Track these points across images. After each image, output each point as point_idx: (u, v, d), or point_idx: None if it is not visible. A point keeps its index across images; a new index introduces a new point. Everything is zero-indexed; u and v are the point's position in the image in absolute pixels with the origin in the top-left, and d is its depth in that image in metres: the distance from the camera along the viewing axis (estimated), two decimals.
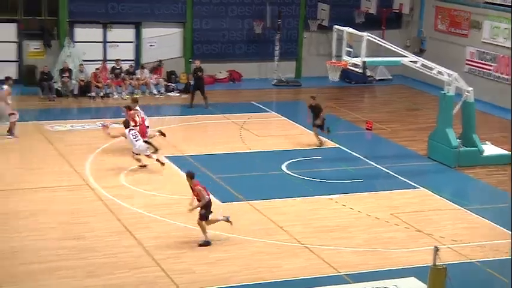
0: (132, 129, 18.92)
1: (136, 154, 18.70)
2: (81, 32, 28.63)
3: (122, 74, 27.82)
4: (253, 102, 27.03)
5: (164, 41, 29.59)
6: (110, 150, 20.35)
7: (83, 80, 27.20)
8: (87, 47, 28.38)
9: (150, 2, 28.95)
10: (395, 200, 17.63)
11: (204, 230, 14.32)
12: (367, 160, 20.54)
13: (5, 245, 13.77)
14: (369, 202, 17.31)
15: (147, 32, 29.45)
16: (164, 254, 13.86)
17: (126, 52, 29.30)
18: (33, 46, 28.10)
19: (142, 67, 28.45)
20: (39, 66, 27.41)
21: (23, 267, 12.92)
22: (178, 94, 27.81)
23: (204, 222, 14.31)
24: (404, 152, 21.66)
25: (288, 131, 23.06)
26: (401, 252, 14.63)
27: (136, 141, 18.68)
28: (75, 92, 26.99)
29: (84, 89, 27.08)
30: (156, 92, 27.91)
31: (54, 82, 26.82)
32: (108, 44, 29.19)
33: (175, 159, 19.65)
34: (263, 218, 16.02)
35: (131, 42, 29.57)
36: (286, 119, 24.61)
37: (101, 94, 27.18)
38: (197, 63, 26.86)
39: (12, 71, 28.04)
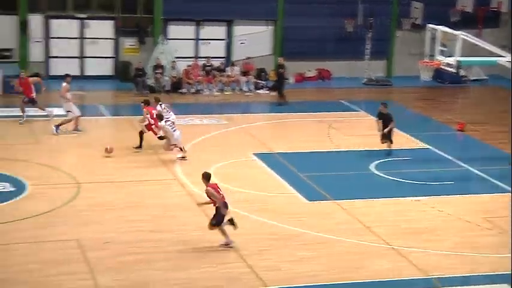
0: (168, 120, 19.18)
1: (173, 145, 18.94)
2: (175, 30, 29.24)
3: (213, 71, 28.23)
4: (342, 101, 26.83)
5: (254, 39, 29.80)
6: (199, 146, 20.69)
7: (175, 77, 27.76)
8: (180, 44, 28.96)
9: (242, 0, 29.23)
10: (487, 203, 17.09)
11: (224, 234, 13.88)
12: (458, 162, 20.00)
13: (99, 236, 14.19)
14: (459, 205, 16.85)
15: (238, 30, 29.75)
16: (250, 250, 13.94)
17: (217, 49, 29.73)
18: (128, 43, 28.93)
19: (233, 64, 28.77)
20: (134, 63, 28.17)
21: (116, 259, 13.26)
22: (267, 92, 27.94)
23: (217, 228, 13.85)
24: (498, 154, 20.96)
25: (376, 131, 22.70)
26: (494, 258, 14.15)
27: (174, 131, 18.94)
28: (167, 88, 27.59)
29: (176, 85, 27.64)
30: (245, 89, 28.16)
31: (148, 78, 27.50)
32: (200, 42, 29.69)
33: (263, 157, 19.74)
34: (350, 217, 15.87)
35: (222, 39, 29.96)
36: (375, 118, 24.25)
37: (192, 90, 27.68)
38: (280, 60, 26.96)
39: (108, 67, 29.03)
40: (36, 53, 28.05)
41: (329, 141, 21.65)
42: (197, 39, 29.70)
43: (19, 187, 16.54)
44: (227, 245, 13.92)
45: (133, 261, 13.18)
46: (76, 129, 21.29)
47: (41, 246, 13.56)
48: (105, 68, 28.97)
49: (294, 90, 27.53)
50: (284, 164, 19.20)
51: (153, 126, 19.79)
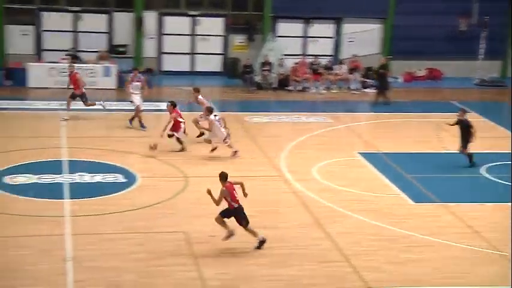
0: (217, 115, 19.10)
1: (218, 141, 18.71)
2: (283, 27, 29.41)
3: (320, 69, 28.19)
4: (453, 102, 26.10)
5: (363, 37, 29.51)
6: (304, 143, 20.72)
7: (282, 74, 27.93)
8: (288, 42, 29.09)
9: None
10: None
11: (224, 226, 13.48)
12: None
13: (205, 229, 14.42)
14: None
15: (347, 28, 29.56)
16: (353, 250, 13.82)
17: (325, 47, 29.68)
18: (238, 40, 29.36)
19: (341, 62, 28.62)
20: (242, 60, 28.56)
21: (221, 253, 13.45)
22: (374, 90, 27.60)
23: (221, 218, 13.48)
24: None
25: (488, 133, 21.98)
26: None
27: (221, 129, 18.71)
28: (274, 85, 27.79)
29: (283, 83, 27.80)
30: (352, 88, 27.95)
31: (255, 75, 27.81)
32: (308, 39, 29.71)
33: (368, 156, 19.53)
34: (458, 221, 15.43)
35: (331, 37, 29.84)
36: (487, 120, 23.48)
37: (299, 88, 27.75)
38: (382, 60, 26.61)
39: (217, 63, 29.58)
40: (149, 49, 28.96)
41: (438, 143, 21.12)
42: (305, 36, 29.73)
43: (130, 178, 17.14)
44: (230, 235, 13.47)
45: (238, 256, 13.36)
46: (131, 120, 21.25)
47: (150, 237, 13.98)
48: (214, 64, 29.53)
49: (403, 89, 27.04)
50: (390, 164, 18.92)
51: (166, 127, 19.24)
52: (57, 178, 16.86)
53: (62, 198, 15.69)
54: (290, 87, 27.70)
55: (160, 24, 29.10)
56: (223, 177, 13.52)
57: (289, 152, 19.83)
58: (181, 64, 29.20)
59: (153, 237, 13.98)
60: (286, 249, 13.79)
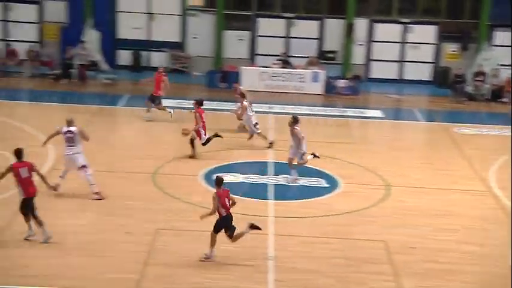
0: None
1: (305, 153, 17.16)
2: (501, 36, 28.05)
3: None
4: None
5: None
6: None
7: (496, 85, 26.68)
8: (505, 51, 27.69)
9: None
10: None
11: (212, 244, 12.71)
12: None
13: (406, 239, 14.16)
14: None
15: None
16: None
17: None
18: (450, 48, 28.51)
19: None
20: (453, 69, 27.68)
21: (421, 265, 13.11)
22: None
23: (215, 234, 12.66)
24: None
25: None
26: None
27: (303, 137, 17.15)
28: (487, 97, 26.61)
29: (497, 94, 26.55)
30: None
31: (467, 85, 26.81)
32: None
33: None
34: None
35: None
36: None
37: None
38: None
39: (427, 72, 28.94)
40: (358, 55, 29.03)
41: None
42: None
43: (333, 184, 17.27)
44: (207, 258, 12.80)
45: (440, 270, 12.94)
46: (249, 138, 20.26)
47: (348, 243, 13.98)
48: (424, 72, 28.91)
49: None
50: None
51: (200, 129, 18.27)
52: (263, 179, 17.44)
53: (266, 198, 16.21)
54: (504, 99, 26.34)
55: (370, 31, 29.04)
56: (219, 181, 12.82)
57: (499, 167, 18.85)
58: (390, 71, 28.94)
59: (352, 243, 13.97)
60: (492, 267, 13.14)
